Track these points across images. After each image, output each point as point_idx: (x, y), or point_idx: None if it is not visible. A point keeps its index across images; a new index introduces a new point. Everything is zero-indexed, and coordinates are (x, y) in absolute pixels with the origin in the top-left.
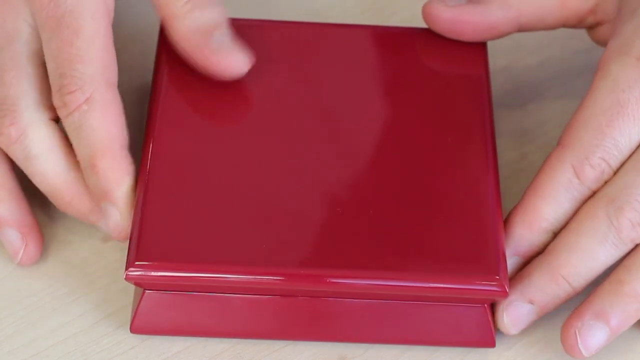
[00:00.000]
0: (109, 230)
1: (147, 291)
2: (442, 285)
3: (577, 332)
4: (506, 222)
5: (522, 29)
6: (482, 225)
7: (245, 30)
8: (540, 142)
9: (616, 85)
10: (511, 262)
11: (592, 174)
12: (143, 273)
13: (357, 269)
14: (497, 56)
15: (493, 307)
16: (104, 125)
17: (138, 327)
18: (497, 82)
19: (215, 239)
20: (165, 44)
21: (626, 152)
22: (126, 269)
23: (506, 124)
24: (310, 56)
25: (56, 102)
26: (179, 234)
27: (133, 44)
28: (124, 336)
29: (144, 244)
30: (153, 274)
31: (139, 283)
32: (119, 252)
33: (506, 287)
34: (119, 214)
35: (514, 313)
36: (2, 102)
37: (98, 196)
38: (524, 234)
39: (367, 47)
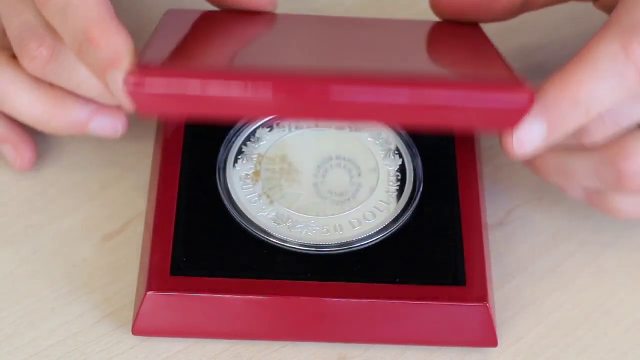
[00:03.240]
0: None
1: (148, 293)
2: (469, 93)
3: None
4: (542, 88)
5: (529, 5)
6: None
7: (245, 23)
8: None
9: None
10: (536, 129)
11: None
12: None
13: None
14: None
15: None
16: None
17: (140, 329)
18: None
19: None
20: None
21: None
22: (127, 80)
23: None
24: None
25: None
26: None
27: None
28: (124, 336)
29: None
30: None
31: (135, 95)
32: (119, 252)
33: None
34: None
35: (524, 130)
36: (23, 30)
37: (102, 68)
38: (557, 99)
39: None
